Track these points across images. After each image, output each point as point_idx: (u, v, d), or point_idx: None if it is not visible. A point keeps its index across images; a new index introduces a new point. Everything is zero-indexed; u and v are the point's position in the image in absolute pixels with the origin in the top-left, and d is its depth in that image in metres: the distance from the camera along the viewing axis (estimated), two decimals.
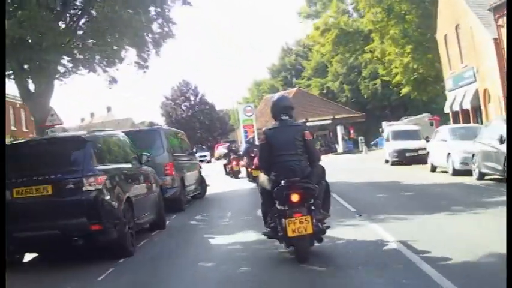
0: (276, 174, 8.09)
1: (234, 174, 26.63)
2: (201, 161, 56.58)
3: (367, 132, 61.78)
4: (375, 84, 64.54)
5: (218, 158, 25.57)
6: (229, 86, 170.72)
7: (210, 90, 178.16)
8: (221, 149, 62.85)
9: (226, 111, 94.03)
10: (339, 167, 27.17)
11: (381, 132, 48.20)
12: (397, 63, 38.83)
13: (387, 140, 30.24)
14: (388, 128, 32.91)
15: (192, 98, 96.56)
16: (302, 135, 8.25)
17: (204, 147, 69.99)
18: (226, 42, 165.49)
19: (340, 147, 52.80)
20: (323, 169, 8.62)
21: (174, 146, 16.72)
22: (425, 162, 24.00)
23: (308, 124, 55.54)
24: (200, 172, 19.89)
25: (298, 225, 7.53)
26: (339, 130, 53.53)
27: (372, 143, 56.80)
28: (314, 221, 7.78)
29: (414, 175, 21.87)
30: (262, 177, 8.58)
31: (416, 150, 27.10)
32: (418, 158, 26.38)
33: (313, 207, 7.96)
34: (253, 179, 21.24)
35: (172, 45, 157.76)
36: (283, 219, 7.79)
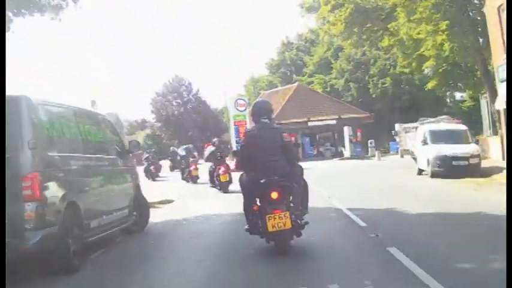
0: (257, 173, 8.70)
1: (192, 179, 24.98)
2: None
3: (376, 136, 56.02)
4: (385, 83, 59.05)
5: (207, 160, 22.96)
6: (228, 86, 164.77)
7: (208, 90, 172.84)
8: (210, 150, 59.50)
9: (220, 110, 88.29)
10: (360, 181, 21.07)
11: (393, 135, 43.47)
12: (428, 44, 31.37)
13: (424, 142, 22.60)
14: (423, 127, 24.84)
15: (185, 94, 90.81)
16: (281, 137, 9.09)
17: (190, 146, 63.41)
18: (226, 42, 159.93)
19: (347, 151, 45.70)
20: (301, 169, 9.43)
21: (59, 136, 8.67)
22: (478, 175, 16.89)
23: (310, 124, 48.79)
24: (137, 187, 12.17)
25: (278, 220, 8.17)
26: (346, 131, 46.43)
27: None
28: (293, 216, 8.43)
29: (488, 198, 14.76)
30: (244, 177, 9.20)
31: (466, 157, 20.01)
32: (469, 169, 19.19)
33: (291, 204, 8.65)
34: (220, 184, 20.48)
35: (167, 41, 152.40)
36: (263, 215, 8.38)
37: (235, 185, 20.40)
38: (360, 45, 53.01)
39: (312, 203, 10.13)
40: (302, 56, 73.06)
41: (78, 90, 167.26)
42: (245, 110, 38.75)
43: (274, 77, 76.00)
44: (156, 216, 13.50)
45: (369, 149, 46.18)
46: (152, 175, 34.03)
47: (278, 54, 78.21)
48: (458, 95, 59.18)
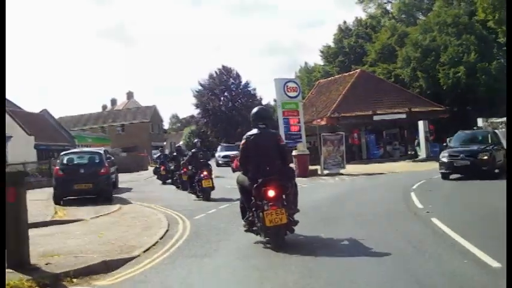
0: (255, 173, 9.49)
1: (203, 193, 20.07)
2: (225, 162, 43.29)
3: (450, 133, 48.12)
4: (457, 72, 51.64)
5: (186, 164, 21.32)
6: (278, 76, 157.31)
7: (257, 82, 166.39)
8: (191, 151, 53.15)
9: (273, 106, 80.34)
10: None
11: None
12: None
13: None
14: None
15: (233, 88, 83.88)
16: (277, 141, 10.05)
17: (232, 144, 57.33)
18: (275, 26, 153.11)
19: (422, 151, 37.75)
20: (293, 170, 10.75)
21: None
22: None
23: (375, 118, 41.37)
24: None
25: (275, 216, 8.92)
26: (422, 127, 38.39)
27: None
28: (287, 213, 9.10)
29: None
30: (242, 177, 9.97)
31: None
32: None
33: (285, 202, 9.26)
34: (201, 190, 19.18)
35: (213, 27, 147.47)
36: (260, 212, 9.08)
37: (219, 192, 19.68)
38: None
39: None
40: (362, 43, 66.36)
41: (114, 81, 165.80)
42: (298, 96, 31.66)
43: (331, 66, 69.21)
44: None
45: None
46: (162, 177, 30.47)
47: (335, 41, 71.50)
48: None
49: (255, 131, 9.93)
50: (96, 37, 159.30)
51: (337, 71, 64.80)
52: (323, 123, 39.42)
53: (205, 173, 19.20)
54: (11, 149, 37.05)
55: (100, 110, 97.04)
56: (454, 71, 52.17)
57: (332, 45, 71.85)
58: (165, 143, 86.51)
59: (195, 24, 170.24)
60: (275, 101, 74.94)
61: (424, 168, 28.54)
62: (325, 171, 29.42)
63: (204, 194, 19.11)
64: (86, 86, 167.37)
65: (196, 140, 22.06)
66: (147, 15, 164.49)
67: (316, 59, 76.62)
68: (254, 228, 9.48)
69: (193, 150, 20.79)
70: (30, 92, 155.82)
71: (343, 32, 70.78)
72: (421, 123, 38.22)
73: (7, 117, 36.70)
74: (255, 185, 9.20)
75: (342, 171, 29.54)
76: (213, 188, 19.19)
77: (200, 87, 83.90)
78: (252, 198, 9.30)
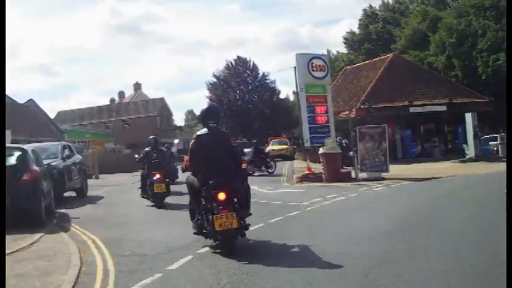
0: (205, 174, 9.07)
1: (155, 199, 17.14)
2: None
3: (493, 127, 45.38)
4: (498, 59, 47.10)
5: (140, 161, 18.43)
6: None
7: (275, 74, 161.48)
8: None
9: (293, 102, 77.05)
10: None
11: None
12: None
13: None
14: None
15: (249, 80, 78.69)
16: (229, 141, 9.82)
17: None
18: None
19: (470, 150, 31.58)
20: (246, 172, 11.12)
21: None
22: None
23: (412, 110, 35.79)
24: None
25: (225, 220, 8.53)
26: (470, 120, 31.91)
27: None
28: (238, 217, 8.73)
29: None
30: (191, 178, 9.53)
31: None
32: None
33: (237, 206, 8.93)
34: (153, 196, 16.96)
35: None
36: (210, 216, 8.73)
37: (174, 198, 17.57)
38: None
39: None
40: (390, 28, 61.73)
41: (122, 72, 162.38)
42: (326, 76, 25.50)
43: (356, 54, 64.69)
44: None
45: (498, 147, 32.77)
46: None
47: (360, 27, 67.15)
48: None
49: (205, 130, 9.59)
50: (110, 29, 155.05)
51: (362, 59, 60.00)
52: (352, 115, 33.64)
53: (157, 176, 17.20)
54: None
55: (108, 103, 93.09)
56: (494, 58, 48.01)
57: (357, 31, 67.64)
58: (176, 140, 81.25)
59: (213, 19, 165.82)
60: (294, 93, 71.01)
61: (483, 171, 23.18)
62: (362, 175, 23.34)
63: (156, 199, 17.09)
64: (96, 80, 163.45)
65: (151, 137, 18.80)
66: (165, 8, 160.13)
67: (339, 49, 71.94)
68: (204, 231, 9.18)
69: (146, 149, 18.42)
70: (38, 84, 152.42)
71: (369, 17, 66.62)
72: (468, 116, 31.96)
73: None
74: (204, 187, 8.99)
75: (383, 174, 23.20)
76: (167, 193, 17.34)
77: (215, 80, 78.91)
78: (202, 200, 9.11)
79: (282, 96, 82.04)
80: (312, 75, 24.74)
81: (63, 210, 16.41)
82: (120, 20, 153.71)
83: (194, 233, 9.41)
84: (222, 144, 9.43)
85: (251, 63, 79.29)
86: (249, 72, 79.23)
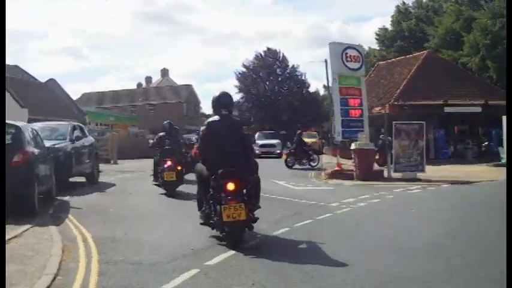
0: (214, 163, 8.83)
1: (166, 187, 16.78)
2: (263, 153, 37.65)
3: None
4: None
5: (153, 146, 18.27)
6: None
7: (305, 68, 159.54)
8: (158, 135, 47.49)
9: (323, 96, 77.83)
10: None
11: None
12: None
13: None
14: None
15: (279, 71, 78.22)
16: (241, 129, 9.58)
17: (272, 132, 51.99)
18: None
19: (505, 153, 30.78)
20: (256, 164, 9.79)
21: None
22: None
23: (446, 110, 34.96)
24: None
25: (233, 211, 8.27)
26: (506, 124, 31.07)
27: None
28: (247, 209, 8.46)
29: None
30: (200, 166, 9.33)
31: None
32: None
33: (246, 197, 8.62)
34: (163, 183, 16.55)
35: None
36: (217, 206, 8.49)
37: (187, 187, 16.71)
38: None
39: None
40: (423, 26, 60.30)
41: (150, 61, 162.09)
42: (360, 68, 24.73)
43: (388, 51, 63.22)
44: None
45: None
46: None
47: (393, 23, 65.91)
48: None
49: (217, 117, 9.37)
50: (141, 17, 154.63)
51: (394, 56, 58.95)
52: (384, 111, 32.93)
53: (168, 163, 16.68)
54: None
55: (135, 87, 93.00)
56: None
57: (389, 28, 66.50)
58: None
59: (243, 11, 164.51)
60: (325, 87, 70.24)
61: None
62: (396, 174, 22.22)
63: (168, 187, 16.59)
64: (124, 65, 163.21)
65: (165, 122, 18.32)
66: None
67: (371, 45, 71.00)
68: (211, 221, 8.91)
69: (160, 134, 18.09)
70: (67, 66, 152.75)
71: (402, 13, 65.37)
72: (505, 119, 31.22)
73: None
74: (213, 176, 8.68)
75: (419, 175, 21.99)
76: (180, 181, 16.84)
77: (244, 70, 78.44)
78: (210, 190, 8.80)
79: (311, 89, 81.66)
80: (346, 66, 24.06)
81: (66, 198, 15.13)
82: (152, 8, 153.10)
83: (201, 223, 9.21)
84: (234, 132, 9.21)
85: (281, 55, 78.96)
86: (278, 64, 78.83)
